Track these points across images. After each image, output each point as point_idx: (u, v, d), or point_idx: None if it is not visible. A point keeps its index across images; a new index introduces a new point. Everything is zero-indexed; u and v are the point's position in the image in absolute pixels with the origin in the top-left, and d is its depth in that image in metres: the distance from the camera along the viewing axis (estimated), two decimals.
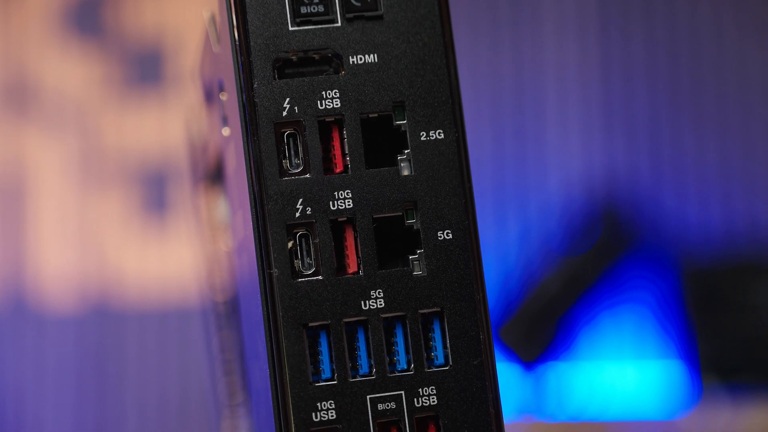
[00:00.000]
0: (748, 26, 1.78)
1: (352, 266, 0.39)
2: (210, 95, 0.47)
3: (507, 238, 1.73)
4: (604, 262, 1.68)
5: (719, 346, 1.62)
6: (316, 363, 0.39)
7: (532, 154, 1.75)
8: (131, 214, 1.76)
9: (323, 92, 0.39)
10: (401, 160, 0.40)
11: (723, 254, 1.70)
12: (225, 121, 0.43)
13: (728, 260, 1.68)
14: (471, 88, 1.77)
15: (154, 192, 1.76)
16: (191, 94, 0.54)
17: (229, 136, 0.42)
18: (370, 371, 0.39)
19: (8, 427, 1.72)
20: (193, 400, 1.69)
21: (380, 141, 0.40)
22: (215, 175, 0.51)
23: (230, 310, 0.52)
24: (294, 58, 0.39)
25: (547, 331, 1.65)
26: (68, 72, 1.78)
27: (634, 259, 1.69)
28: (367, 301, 0.39)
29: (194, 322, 1.69)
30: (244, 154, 0.39)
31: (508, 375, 1.64)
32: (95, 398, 1.72)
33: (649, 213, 1.71)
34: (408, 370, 0.39)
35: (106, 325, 1.73)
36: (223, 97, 0.42)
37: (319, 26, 0.39)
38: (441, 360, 0.39)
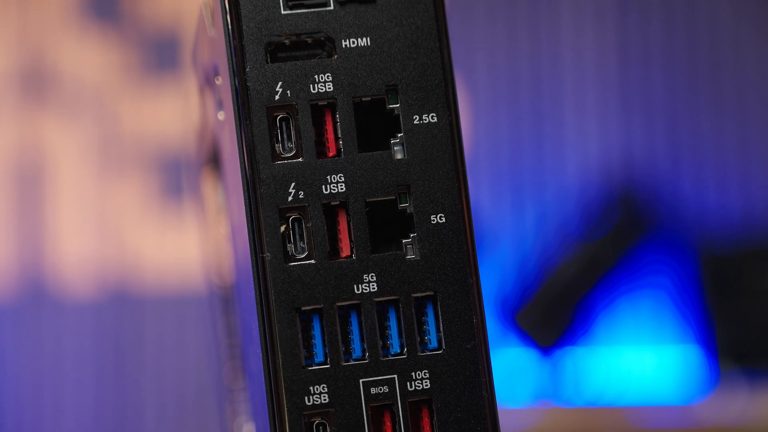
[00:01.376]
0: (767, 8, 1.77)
1: (345, 250, 0.39)
2: (207, 80, 0.47)
3: (524, 222, 1.72)
4: (621, 246, 1.67)
5: (737, 331, 1.61)
6: (309, 347, 0.39)
7: (550, 138, 1.75)
8: (149, 200, 1.76)
9: (316, 76, 0.39)
10: (394, 143, 0.40)
11: (741, 239, 1.69)
12: (220, 106, 0.43)
13: (746, 245, 1.68)
14: (488, 73, 1.76)
15: (172, 178, 1.76)
16: (191, 80, 0.54)
17: (224, 120, 0.42)
18: (363, 355, 0.39)
19: (27, 413, 1.73)
20: (210, 385, 1.69)
21: (373, 125, 0.40)
22: (213, 160, 0.51)
23: (231, 294, 0.52)
24: (286, 41, 0.39)
25: (564, 317, 1.65)
26: (86, 58, 1.78)
27: (652, 243, 1.68)
28: (359, 285, 0.39)
29: (212, 308, 1.69)
30: (237, 138, 0.39)
31: (524, 360, 1.64)
32: (114, 384, 1.73)
33: (667, 197, 1.71)
34: (401, 354, 0.39)
35: (125, 311, 1.74)
36: (218, 81, 0.42)
37: (312, 10, 0.39)
38: (434, 344, 0.39)
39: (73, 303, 1.74)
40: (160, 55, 1.79)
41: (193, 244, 1.73)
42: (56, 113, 1.77)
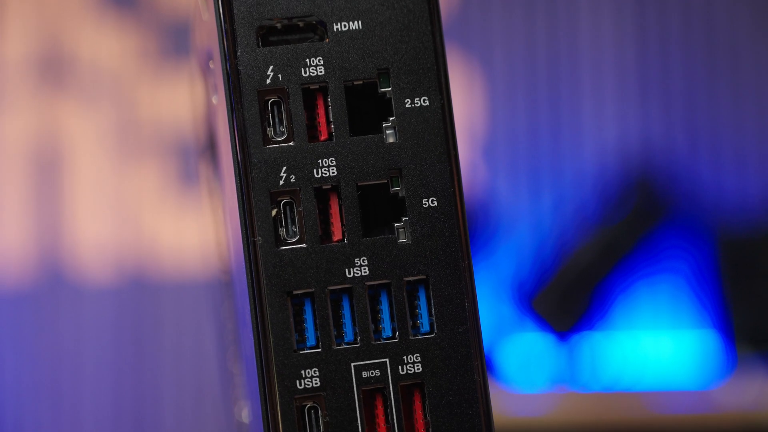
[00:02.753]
0: None
1: (337, 234, 0.39)
2: (203, 64, 0.47)
3: (541, 207, 1.72)
4: (639, 231, 1.67)
5: (754, 315, 1.60)
6: (301, 331, 0.39)
7: (567, 122, 1.74)
8: (167, 185, 1.77)
9: (307, 59, 0.39)
10: (386, 127, 0.39)
11: (759, 223, 1.68)
12: (215, 90, 0.43)
13: (764, 229, 1.67)
14: (505, 59, 1.76)
15: (189, 163, 1.77)
16: (193, 65, 0.54)
17: (217, 104, 0.42)
18: (355, 339, 0.39)
19: (46, 398, 1.74)
20: (227, 369, 1.70)
21: (365, 108, 0.40)
22: (211, 145, 0.51)
23: (230, 279, 0.52)
24: (278, 25, 0.39)
25: (581, 301, 1.65)
26: (104, 44, 1.79)
27: (670, 228, 1.67)
28: (351, 269, 0.39)
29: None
30: (228, 122, 0.39)
31: (541, 345, 1.64)
32: (132, 368, 1.74)
33: (684, 182, 1.70)
34: (393, 337, 0.39)
35: (143, 296, 1.75)
36: (212, 65, 0.42)
37: None
38: (426, 328, 0.39)
39: (91, 288, 1.75)
40: (177, 40, 1.79)
41: (209, 229, 1.73)
42: (74, 99, 1.78)
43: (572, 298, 1.65)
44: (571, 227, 1.70)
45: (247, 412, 0.47)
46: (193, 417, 1.73)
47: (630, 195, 1.69)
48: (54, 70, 1.78)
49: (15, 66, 1.78)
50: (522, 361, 1.64)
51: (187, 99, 1.77)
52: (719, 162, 1.72)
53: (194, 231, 1.75)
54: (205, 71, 0.47)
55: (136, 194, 1.76)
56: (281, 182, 0.39)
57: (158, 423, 1.73)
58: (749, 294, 1.61)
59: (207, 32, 0.43)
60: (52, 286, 1.75)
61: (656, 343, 1.65)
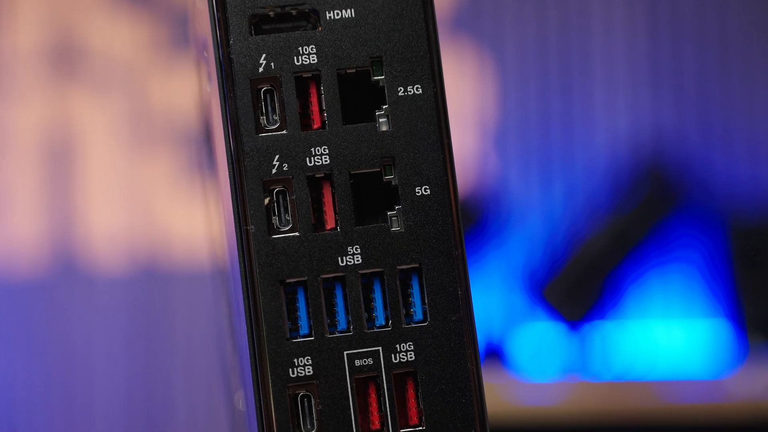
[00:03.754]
0: None
1: (330, 222, 0.39)
2: (200, 53, 0.47)
3: (552, 196, 1.72)
4: (650, 220, 1.66)
5: (766, 305, 1.60)
6: (294, 319, 0.39)
7: (578, 111, 1.74)
8: (179, 174, 1.77)
9: (300, 48, 0.39)
10: (379, 115, 0.39)
11: None
12: (210, 79, 0.43)
13: None
14: (517, 46, 1.76)
15: (201, 153, 1.77)
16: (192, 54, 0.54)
17: (212, 93, 0.42)
18: (348, 327, 0.39)
19: (58, 387, 1.74)
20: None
21: (358, 97, 0.40)
22: (207, 134, 0.51)
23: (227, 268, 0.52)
24: (270, 13, 0.39)
25: (593, 291, 1.65)
26: (115, 34, 1.79)
27: (682, 217, 1.67)
28: (344, 258, 0.39)
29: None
30: (221, 110, 0.39)
31: (552, 334, 1.64)
32: (144, 358, 1.74)
33: (696, 170, 1.70)
34: (386, 326, 0.39)
35: (155, 285, 1.75)
36: (207, 54, 0.42)
37: None
38: (419, 316, 0.39)
39: (104, 278, 1.75)
40: (188, 30, 1.79)
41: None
42: (86, 89, 1.78)
43: (583, 288, 1.65)
44: (583, 216, 1.69)
45: (242, 400, 0.47)
46: (205, 406, 1.73)
47: (642, 184, 1.68)
48: (66, 60, 1.78)
49: (27, 56, 1.78)
50: (533, 351, 1.64)
51: (197, 88, 1.78)
52: (731, 150, 1.72)
53: (205, 220, 1.75)
54: (201, 60, 0.47)
55: (148, 184, 1.77)
56: (274, 171, 0.39)
57: (170, 412, 1.73)
58: (761, 283, 1.61)
59: (202, 21, 0.43)
60: (65, 276, 1.75)
61: (668, 333, 1.65)
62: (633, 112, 1.74)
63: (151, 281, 1.75)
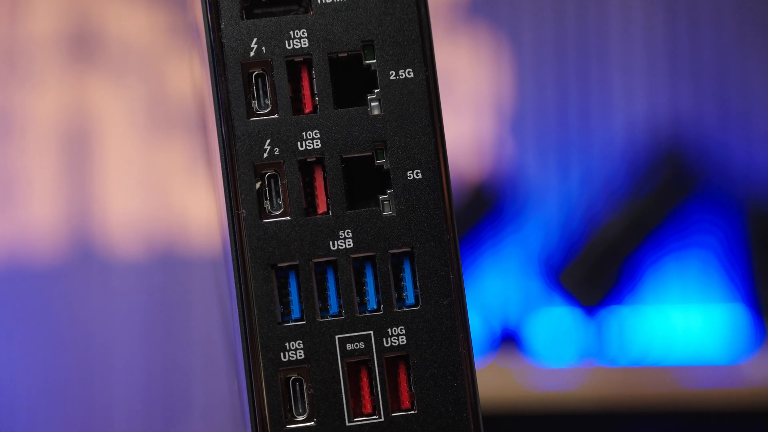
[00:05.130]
0: None
1: (321, 207, 0.39)
2: (195, 38, 0.47)
3: (569, 181, 1.71)
4: (668, 204, 1.66)
5: None
6: (285, 303, 0.39)
7: (596, 95, 1.73)
8: (196, 160, 1.77)
9: (291, 32, 0.39)
10: (371, 99, 0.39)
11: None
12: (202, 63, 0.43)
13: None
14: (534, 31, 1.75)
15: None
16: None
17: (205, 78, 0.42)
18: (340, 311, 0.39)
19: (75, 372, 1.75)
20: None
21: (350, 81, 0.40)
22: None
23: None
24: None
25: (609, 276, 1.64)
26: (132, 20, 1.79)
27: (699, 201, 1.66)
28: (335, 242, 0.39)
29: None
30: (212, 95, 0.39)
31: (568, 319, 1.64)
32: (161, 343, 1.75)
33: (714, 155, 1.69)
34: (377, 310, 0.39)
35: (172, 271, 1.76)
36: (199, 38, 0.42)
37: None
38: (411, 300, 0.39)
39: (121, 264, 1.76)
40: None
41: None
42: (104, 75, 1.79)
43: (600, 273, 1.65)
44: (600, 201, 1.69)
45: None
46: (222, 391, 1.74)
47: (659, 168, 1.68)
48: (83, 46, 1.79)
49: (45, 43, 1.79)
50: (550, 336, 1.64)
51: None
52: (749, 135, 1.71)
53: (223, 205, 1.75)
54: (197, 45, 0.47)
55: (165, 169, 1.77)
56: (265, 155, 0.39)
57: (187, 396, 1.74)
58: None
59: (194, 5, 0.43)
60: (82, 262, 1.76)
61: (685, 318, 1.64)
62: (650, 96, 1.73)
63: (168, 267, 1.76)
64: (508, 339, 1.64)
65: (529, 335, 1.64)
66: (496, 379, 1.57)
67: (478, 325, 1.64)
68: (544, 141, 1.73)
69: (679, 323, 1.64)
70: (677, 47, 1.73)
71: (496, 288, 1.67)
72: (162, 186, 1.77)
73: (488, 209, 1.69)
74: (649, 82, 1.73)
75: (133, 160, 1.78)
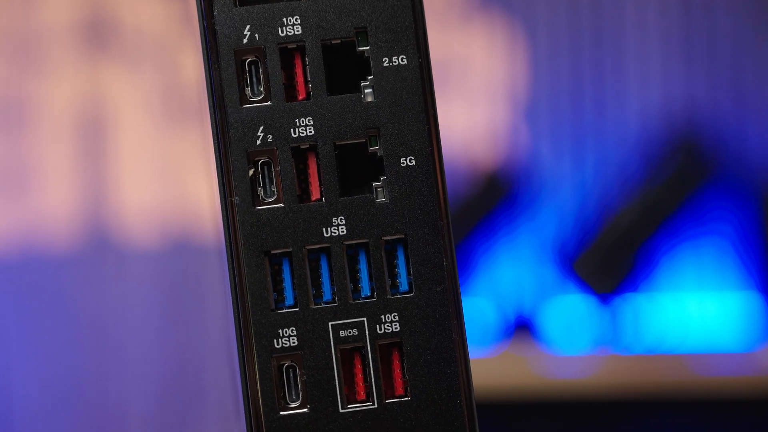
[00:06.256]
0: None
1: (315, 194, 0.39)
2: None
3: (583, 167, 1.71)
4: (682, 192, 1.65)
5: None
6: (279, 291, 0.39)
7: (610, 82, 1.73)
8: (211, 148, 1.77)
9: (284, 19, 0.39)
10: (364, 86, 0.39)
11: None
12: (196, 50, 0.43)
13: None
14: (548, 18, 1.74)
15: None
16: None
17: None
18: (333, 298, 0.39)
19: (90, 362, 1.76)
20: None
21: (343, 68, 0.40)
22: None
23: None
24: None
25: (624, 263, 1.64)
26: (147, 9, 1.79)
27: (714, 189, 1.66)
28: (329, 228, 0.39)
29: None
30: (206, 82, 0.39)
31: (582, 307, 1.63)
32: (177, 331, 1.75)
33: (729, 142, 1.68)
34: (371, 297, 0.39)
35: (187, 259, 1.76)
36: (193, 26, 0.42)
37: None
38: (404, 287, 0.39)
39: (136, 252, 1.76)
40: None
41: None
42: (119, 63, 1.79)
43: (615, 260, 1.64)
44: (614, 188, 1.68)
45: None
46: (237, 379, 1.74)
47: (674, 155, 1.67)
48: (98, 35, 1.79)
49: (60, 32, 1.79)
50: (564, 324, 1.63)
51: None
52: (765, 121, 1.70)
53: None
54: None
55: (180, 157, 1.78)
56: (258, 142, 0.39)
57: (203, 385, 1.75)
58: None
59: None
60: (97, 250, 1.77)
61: (700, 305, 1.64)
62: (665, 83, 1.72)
63: (184, 255, 1.76)
64: (523, 327, 1.64)
65: (544, 323, 1.64)
66: (510, 367, 1.57)
67: (493, 312, 1.64)
68: (559, 128, 1.73)
69: (694, 311, 1.63)
70: (692, 33, 1.72)
71: (511, 276, 1.67)
72: (177, 174, 1.78)
73: (502, 197, 1.69)
74: (663, 69, 1.72)
75: (148, 149, 1.78)
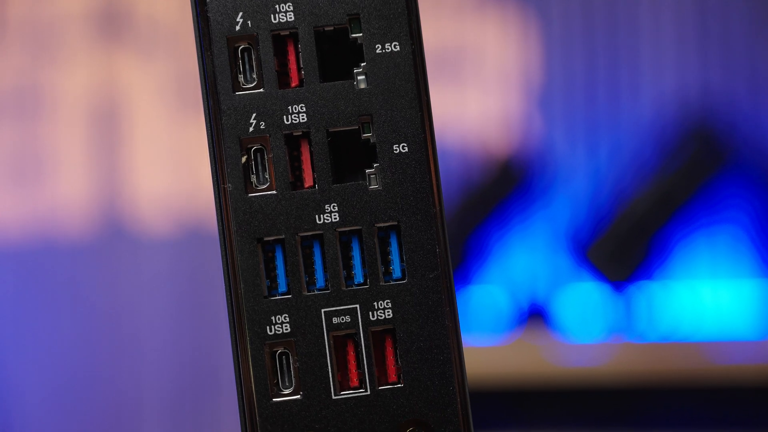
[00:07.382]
0: None
1: (308, 180, 0.39)
2: None
3: (597, 155, 1.70)
4: (697, 179, 1.65)
5: None
6: (272, 277, 0.39)
7: (624, 68, 1.72)
8: None
9: (277, 6, 0.39)
10: (357, 73, 0.39)
11: None
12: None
13: None
14: (562, 5, 1.74)
15: None
16: None
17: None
18: (326, 285, 0.39)
19: (104, 350, 1.76)
20: None
21: (336, 54, 0.40)
22: None
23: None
24: None
25: (638, 251, 1.63)
26: None
27: (729, 176, 1.65)
28: (321, 215, 0.39)
29: None
30: (198, 69, 0.39)
31: (596, 295, 1.63)
32: (191, 319, 1.76)
33: (744, 129, 1.67)
34: (364, 284, 0.39)
35: (201, 247, 1.76)
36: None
37: None
38: (398, 274, 0.39)
39: (150, 240, 1.77)
40: None
41: None
42: (133, 52, 1.79)
43: (629, 248, 1.64)
44: (628, 176, 1.68)
45: None
46: None
47: (689, 143, 1.67)
48: (112, 24, 1.80)
49: (74, 21, 1.79)
50: (578, 312, 1.63)
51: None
52: None
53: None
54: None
55: (194, 146, 1.78)
56: (251, 129, 0.39)
57: (216, 373, 1.75)
58: None
59: None
60: (112, 239, 1.77)
61: (714, 293, 1.63)
62: (680, 69, 1.71)
63: (198, 243, 1.77)
64: (536, 314, 1.64)
65: (557, 311, 1.64)
66: (523, 355, 1.57)
67: (506, 300, 1.64)
68: (573, 116, 1.72)
69: (709, 298, 1.63)
70: (707, 20, 1.72)
71: (524, 263, 1.67)
72: (191, 163, 1.78)
73: (516, 185, 1.68)
74: (678, 56, 1.72)
75: (162, 137, 1.79)
